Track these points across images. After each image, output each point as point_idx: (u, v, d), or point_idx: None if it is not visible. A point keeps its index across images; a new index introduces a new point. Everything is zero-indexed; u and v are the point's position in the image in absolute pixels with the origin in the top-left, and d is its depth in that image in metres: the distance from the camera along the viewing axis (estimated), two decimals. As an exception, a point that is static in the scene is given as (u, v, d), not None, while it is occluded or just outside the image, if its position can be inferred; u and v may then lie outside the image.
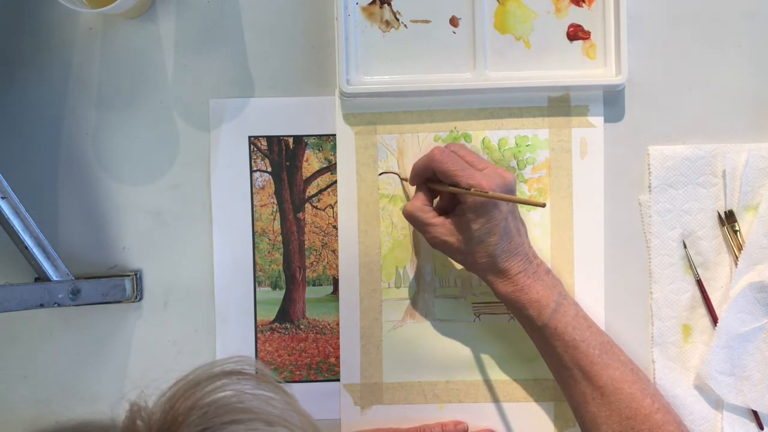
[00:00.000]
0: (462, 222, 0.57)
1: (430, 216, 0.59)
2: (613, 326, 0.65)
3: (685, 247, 0.64)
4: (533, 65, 0.64)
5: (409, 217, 0.60)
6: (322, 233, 0.65)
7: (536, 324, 0.58)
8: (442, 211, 0.60)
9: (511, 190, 0.57)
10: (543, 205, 0.54)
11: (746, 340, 0.63)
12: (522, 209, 0.65)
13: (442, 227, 0.58)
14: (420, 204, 0.59)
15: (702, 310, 0.64)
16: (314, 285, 0.66)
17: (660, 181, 0.64)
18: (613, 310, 0.65)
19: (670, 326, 0.64)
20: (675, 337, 0.64)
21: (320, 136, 0.65)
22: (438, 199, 0.61)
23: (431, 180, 0.60)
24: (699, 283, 0.64)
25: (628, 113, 0.65)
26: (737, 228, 0.63)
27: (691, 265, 0.64)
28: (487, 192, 0.55)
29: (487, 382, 0.65)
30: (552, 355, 0.59)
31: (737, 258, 0.63)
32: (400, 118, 0.65)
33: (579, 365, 0.58)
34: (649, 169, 0.64)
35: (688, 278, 0.64)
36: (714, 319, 0.64)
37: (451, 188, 0.57)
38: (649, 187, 0.65)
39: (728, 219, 0.64)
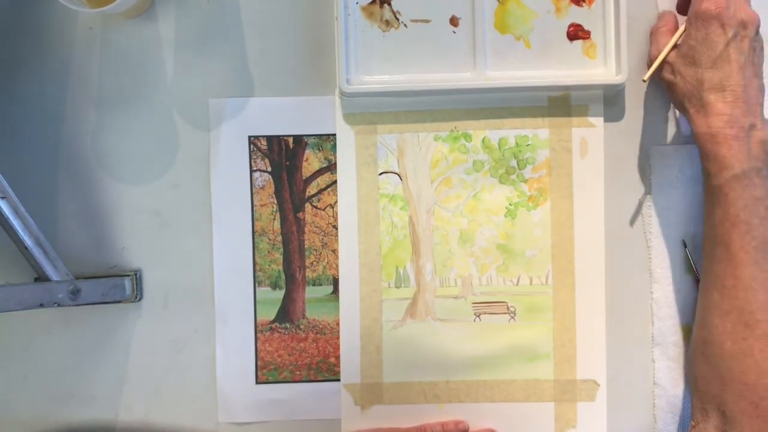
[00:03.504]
0: (687, 30, 0.57)
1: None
2: (614, 326, 0.65)
3: (685, 246, 0.64)
4: (533, 65, 0.64)
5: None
6: (322, 233, 0.65)
7: (710, 181, 0.56)
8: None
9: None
10: None
11: None
12: (525, 206, 0.65)
13: (671, 29, 0.60)
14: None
15: None
16: (314, 285, 0.66)
17: (660, 180, 0.64)
18: (614, 309, 0.65)
19: (670, 326, 0.64)
20: (675, 337, 0.64)
21: (320, 135, 0.65)
22: None
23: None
24: (699, 283, 0.64)
25: (628, 113, 0.65)
26: (737, 228, 0.63)
27: (691, 264, 0.64)
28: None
29: (487, 382, 0.65)
30: (710, 219, 0.56)
31: None
32: (400, 118, 0.65)
33: (728, 245, 0.54)
34: (650, 168, 0.64)
35: (688, 278, 0.64)
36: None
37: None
38: (650, 186, 0.65)
39: (728, 219, 0.63)
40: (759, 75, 0.57)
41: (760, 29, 0.57)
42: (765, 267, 0.54)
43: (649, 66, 0.60)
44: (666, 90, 0.60)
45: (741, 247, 0.54)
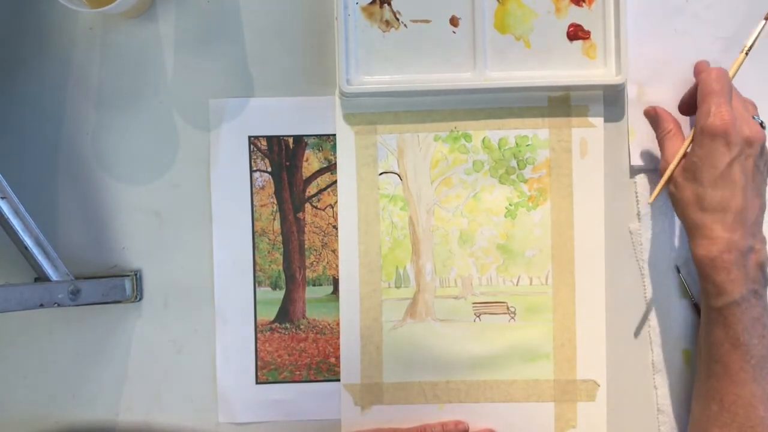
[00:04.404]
0: (692, 144, 0.56)
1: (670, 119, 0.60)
2: (614, 326, 0.65)
3: (678, 272, 0.64)
4: (533, 65, 0.64)
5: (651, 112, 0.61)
6: (322, 233, 0.65)
7: (709, 302, 0.55)
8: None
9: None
10: None
11: None
12: (525, 206, 0.65)
13: (675, 134, 0.59)
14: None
15: None
16: (314, 285, 0.66)
17: (648, 209, 0.64)
18: (614, 309, 0.65)
19: (669, 351, 0.64)
20: (676, 362, 0.64)
21: (320, 136, 0.65)
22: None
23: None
24: (696, 306, 0.63)
25: (628, 113, 0.65)
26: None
27: (686, 289, 0.64)
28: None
29: (487, 382, 0.65)
30: (707, 337, 0.56)
31: None
32: (400, 118, 0.65)
33: (727, 364, 0.55)
34: (636, 198, 0.64)
35: (684, 303, 0.64)
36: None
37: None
38: (638, 215, 0.64)
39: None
40: (761, 193, 0.56)
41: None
42: (762, 383, 0.54)
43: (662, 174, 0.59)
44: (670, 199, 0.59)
45: (741, 367, 0.54)
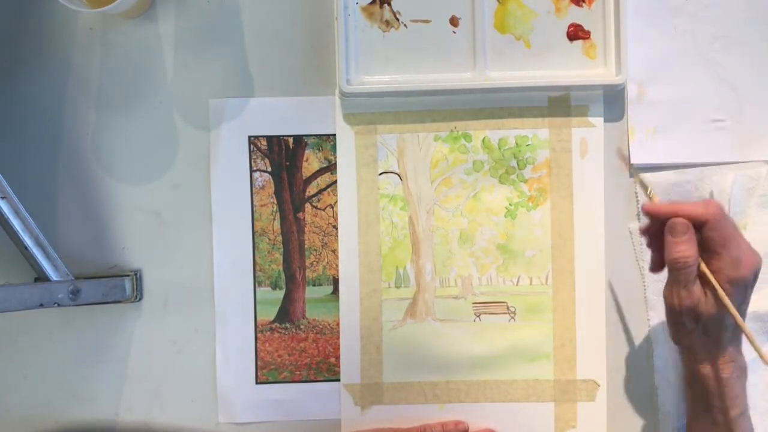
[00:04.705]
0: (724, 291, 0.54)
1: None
2: (614, 326, 0.65)
3: None
4: (533, 65, 0.64)
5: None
6: (322, 233, 0.65)
7: (717, 418, 0.56)
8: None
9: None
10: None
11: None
12: (525, 206, 0.65)
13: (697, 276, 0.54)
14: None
15: None
16: (314, 285, 0.66)
17: None
18: (614, 309, 0.65)
19: (669, 350, 0.64)
20: (676, 362, 0.64)
21: (320, 135, 0.65)
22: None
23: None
24: None
25: (628, 113, 0.65)
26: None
27: None
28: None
29: (487, 382, 0.65)
30: None
31: None
32: (400, 118, 0.65)
33: None
34: (636, 198, 0.64)
35: None
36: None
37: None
38: (638, 215, 0.64)
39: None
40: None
41: None
42: None
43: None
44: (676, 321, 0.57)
45: None
